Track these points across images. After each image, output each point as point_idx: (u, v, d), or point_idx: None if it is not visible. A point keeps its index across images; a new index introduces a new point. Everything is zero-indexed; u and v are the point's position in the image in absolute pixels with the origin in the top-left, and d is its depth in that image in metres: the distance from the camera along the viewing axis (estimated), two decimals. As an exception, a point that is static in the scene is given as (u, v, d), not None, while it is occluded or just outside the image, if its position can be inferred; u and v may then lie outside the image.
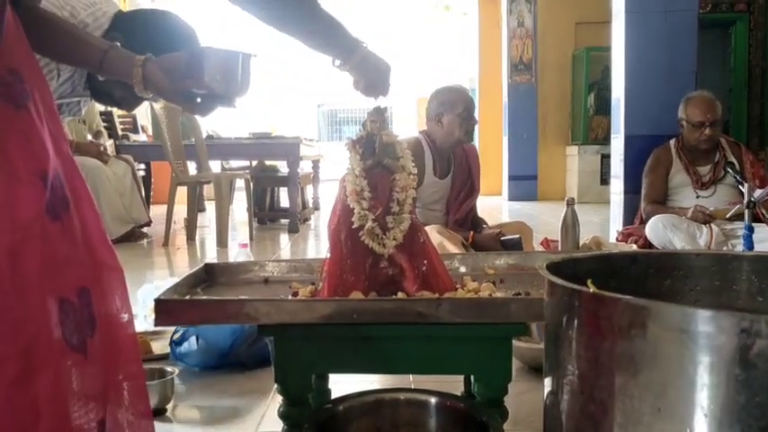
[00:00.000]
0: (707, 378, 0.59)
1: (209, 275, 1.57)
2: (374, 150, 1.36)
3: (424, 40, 13.94)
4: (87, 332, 0.82)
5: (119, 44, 1.23)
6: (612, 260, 0.90)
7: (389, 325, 1.22)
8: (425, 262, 1.37)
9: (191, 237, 5.07)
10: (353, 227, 1.31)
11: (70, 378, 0.78)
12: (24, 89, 0.80)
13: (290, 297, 1.37)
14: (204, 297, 1.40)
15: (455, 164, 2.90)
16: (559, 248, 2.70)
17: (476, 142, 10.74)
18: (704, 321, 0.59)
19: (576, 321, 0.69)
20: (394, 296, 1.30)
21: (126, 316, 0.92)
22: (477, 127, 2.93)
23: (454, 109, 2.75)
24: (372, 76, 1.38)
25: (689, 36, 4.03)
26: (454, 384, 1.59)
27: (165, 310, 1.24)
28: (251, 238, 5.15)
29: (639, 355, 0.62)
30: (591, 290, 0.68)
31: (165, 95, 1.26)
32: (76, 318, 0.80)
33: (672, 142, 3.62)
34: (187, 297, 1.37)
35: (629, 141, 4.08)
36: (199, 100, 1.26)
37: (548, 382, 0.77)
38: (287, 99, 14.81)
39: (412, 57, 14.46)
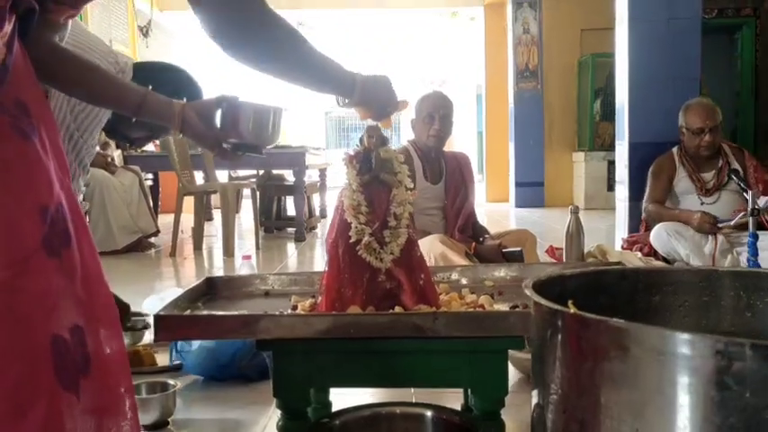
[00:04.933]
0: (684, 399, 0.60)
1: (210, 289, 1.59)
2: (371, 165, 1.38)
3: (431, 48, 13.97)
4: (81, 372, 0.78)
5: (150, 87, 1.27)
6: (601, 277, 0.91)
7: (387, 339, 1.23)
8: (423, 276, 1.38)
9: (198, 246, 5.10)
10: (351, 241, 1.33)
11: (61, 419, 0.74)
12: (31, 122, 0.80)
13: (289, 311, 1.39)
14: (204, 312, 1.42)
15: (447, 171, 3.00)
16: (564, 258, 2.71)
17: (482, 149, 10.74)
18: (681, 343, 0.60)
19: (558, 341, 0.70)
20: (391, 310, 1.31)
21: (120, 357, 0.89)
22: (450, 131, 2.94)
23: (419, 114, 2.91)
24: (379, 101, 1.33)
25: (692, 43, 4.04)
26: (455, 397, 1.60)
27: (165, 325, 1.26)
28: (257, 248, 5.17)
29: (619, 376, 0.64)
30: (572, 310, 0.69)
31: (198, 140, 1.30)
32: (69, 356, 0.77)
33: (674, 150, 3.61)
34: (187, 312, 1.38)
35: (634, 148, 4.08)
36: (227, 146, 1.31)
37: (534, 397, 0.78)
38: (294, 106, 14.87)
39: (419, 64, 14.50)
